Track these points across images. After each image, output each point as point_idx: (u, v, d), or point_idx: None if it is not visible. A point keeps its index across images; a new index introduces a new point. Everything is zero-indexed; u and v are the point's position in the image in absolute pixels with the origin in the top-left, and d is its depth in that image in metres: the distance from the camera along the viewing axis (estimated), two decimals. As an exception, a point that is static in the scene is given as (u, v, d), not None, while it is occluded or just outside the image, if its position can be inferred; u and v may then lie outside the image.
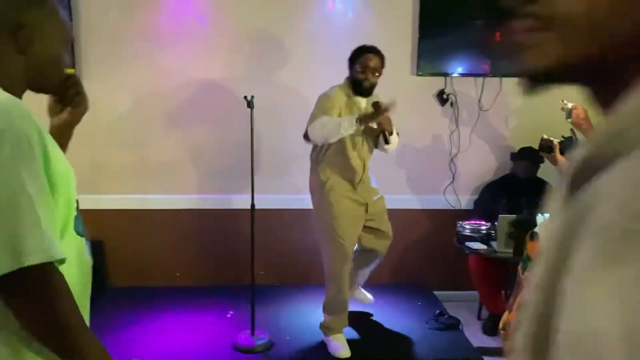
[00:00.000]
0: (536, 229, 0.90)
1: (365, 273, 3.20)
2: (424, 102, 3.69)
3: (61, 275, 0.96)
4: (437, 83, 3.72)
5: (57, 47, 1.09)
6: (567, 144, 2.82)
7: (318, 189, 2.86)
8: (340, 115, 2.75)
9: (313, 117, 2.75)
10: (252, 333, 2.88)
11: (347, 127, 2.62)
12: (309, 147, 3.71)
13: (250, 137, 2.78)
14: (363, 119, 2.64)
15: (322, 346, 2.88)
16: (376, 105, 2.73)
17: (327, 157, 2.83)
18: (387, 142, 2.83)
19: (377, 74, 2.81)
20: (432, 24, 3.59)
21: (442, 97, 3.73)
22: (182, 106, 3.64)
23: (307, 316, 3.26)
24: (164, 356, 2.74)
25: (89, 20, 3.51)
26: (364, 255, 3.08)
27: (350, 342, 2.88)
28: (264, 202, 3.45)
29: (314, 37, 3.63)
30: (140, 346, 2.84)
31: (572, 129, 2.87)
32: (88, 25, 3.51)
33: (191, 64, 3.60)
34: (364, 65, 2.77)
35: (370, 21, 3.64)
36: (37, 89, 1.11)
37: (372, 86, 2.82)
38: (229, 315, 3.24)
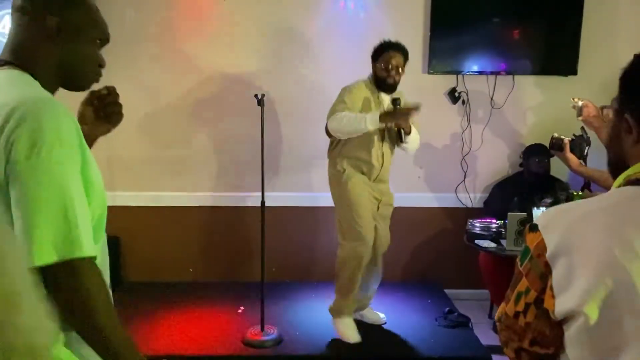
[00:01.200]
0: (535, 221, 0.90)
1: (372, 289, 3.13)
2: (435, 100, 3.69)
3: (96, 269, 1.00)
4: (449, 81, 3.72)
5: (93, 45, 1.11)
6: (577, 142, 2.80)
7: (336, 179, 2.88)
8: (361, 111, 2.73)
9: (333, 110, 2.74)
10: (262, 328, 2.91)
11: (369, 123, 2.59)
12: (321, 145, 3.75)
13: (261, 134, 2.81)
14: (384, 117, 2.61)
15: (331, 342, 2.90)
16: (395, 102, 2.74)
17: (344, 150, 2.84)
18: (401, 140, 2.81)
19: (400, 71, 2.79)
20: (443, 22, 3.59)
21: (453, 95, 3.72)
22: (196, 104, 3.69)
23: (316, 312, 3.28)
24: (176, 349, 2.79)
25: (105, 16, 3.57)
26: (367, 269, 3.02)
27: (361, 339, 2.90)
28: (274, 199, 3.49)
29: (326, 36, 3.65)
30: (153, 339, 2.89)
31: (582, 127, 2.85)
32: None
33: (204, 62, 3.64)
34: (386, 63, 2.76)
35: (382, 19, 3.64)
36: (70, 87, 1.11)
37: (396, 83, 2.80)
38: (239, 311, 3.28)
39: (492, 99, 3.74)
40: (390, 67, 2.75)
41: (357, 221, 2.79)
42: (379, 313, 3.18)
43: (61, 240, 0.92)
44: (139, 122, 3.69)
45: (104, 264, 1.13)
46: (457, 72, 3.67)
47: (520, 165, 3.65)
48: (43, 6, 1.03)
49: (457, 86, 3.71)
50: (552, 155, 3.49)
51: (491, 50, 3.67)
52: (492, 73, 3.69)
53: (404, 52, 2.80)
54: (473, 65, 3.67)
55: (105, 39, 1.15)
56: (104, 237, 1.15)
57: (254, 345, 2.83)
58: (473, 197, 3.83)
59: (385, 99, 2.85)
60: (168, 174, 3.75)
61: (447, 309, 3.28)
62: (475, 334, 3.04)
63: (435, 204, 3.79)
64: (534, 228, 0.88)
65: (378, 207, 2.94)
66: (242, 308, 3.31)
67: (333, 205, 3.74)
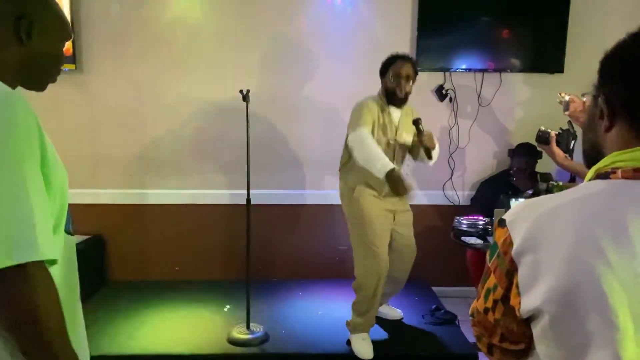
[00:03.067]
0: (504, 216, 0.88)
1: (392, 292, 3.13)
2: (423, 97, 3.68)
3: (50, 276, 0.91)
4: (436, 78, 3.72)
5: (56, 42, 1.08)
6: (564, 136, 2.81)
7: (347, 195, 2.85)
8: (374, 126, 2.70)
9: (355, 125, 2.68)
10: (248, 327, 2.89)
11: (378, 170, 2.55)
12: (307, 142, 3.73)
13: (246, 131, 2.78)
14: (392, 177, 2.52)
15: (317, 339, 2.88)
16: (416, 122, 2.72)
17: (354, 166, 2.77)
18: (429, 157, 2.83)
19: (410, 82, 2.75)
20: (431, 19, 3.58)
21: (441, 93, 3.72)
22: (181, 101, 3.66)
23: (302, 310, 3.27)
24: (162, 348, 2.75)
25: (90, 15, 3.53)
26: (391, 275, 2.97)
27: (346, 336, 2.89)
28: (260, 197, 3.46)
29: (313, 32, 3.63)
30: (138, 338, 2.85)
31: (569, 122, 2.86)
32: (89, 20, 3.53)
33: (190, 59, 3.61)
34: (396, 74, 2.72)
35: (370, 17, 3.63)
36: (30, 85, 1.08)
37: (406, 95, 2.76)
38: (225, 310, 3.26)
39: (479, 96, 3.75)
40: (399, 76, 2.71)
41: (371, 239, 2.74)
42: (397, 309, 3.19)
43: (14, 242, 0.85)
44: (123, 119, 3.65)
45: (69, 265, 1.07)
46: (445, 70, 3.67)
47: (511, 169, 3.66)
48: (12, 6, 1.01)
49: (445, 83, 3.71)
50: (540, 153, 3.51)
51: (478, 48, 3.68)
52: (479, 70, 3.69)
53: (412, 62, 2.77)
54: (460, 63, 3.67)
55: (68, 37, 1.12)
56: (72, 240, 1.09)
57: (239, 343, 2.80)
58: (460, 195, 3.84)
59: (395, 112, 2.80)
60: (153, 171, 3.71)
61: (434, 306, 3.27)
62: (462, 331, 3.04)
63: (422, 202, 3.79)
64: (502, 223, 0.86)
65: (394, 218, 2.87)
66: (227, 306, 3.29)
67: (320, 203, 3.75)
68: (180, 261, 3.80)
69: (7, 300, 0.86)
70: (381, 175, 2.55)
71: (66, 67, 3.46)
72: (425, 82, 3.69)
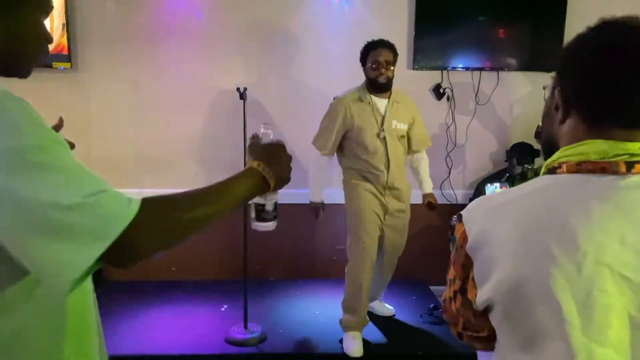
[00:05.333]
0: (462, 211, 0.91)
1: (380, 287, 3.16)
2: (420, 96, 3.66)
3: (147, 207, 0.83)
4: (434, 77, 3.71)
5: (36, 13, 0.89)
6: None
7: (345, 188, 2.91)
8: (352, 121, 2.76)
9: (318, 138, 2.91)
10: (245, 326, 2.88)
11: (311, 197, 2.97)
12: (304, 140, 3.72)
13: (243, 129, 2.77)
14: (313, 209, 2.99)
15: (314, 339, 2.87)
16: (430, 206, 2.97)
17: (347, 162, 2.88)
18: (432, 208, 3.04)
19: (391, 67, 2.74)
20: (428, 18, 3.57)
21: (438, 91, 3.71)
22: (178, 100, 3.63)
23: (299, 310, 3.26)
24: (159, 349, 2.74)
25: (85, 13, 3.50)
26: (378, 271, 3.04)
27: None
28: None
29: (310, 31, 3.61)
30: (135, 339, 2.84)
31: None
32: (84, 18, 3.50)
33: (187, 58, 3.59)
34: (374, 61, 2.72)
35: (367, 15, 3.62)
36: (12, 72, 0.91)
37: (389, 80, 2.74)
38: (222, 309, 3.24)
39: (476, 94, 3.74)
40: (378, 64, 2.70)
41: (359, 233, 2.79)
42: (388, 305, 3.21)
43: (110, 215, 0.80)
44: (119, 119, 3.63)
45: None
46: (442, 68, 3.66)
47: (506, 161, 3.65)
48: None
49: (442, 82, 3.70)
50: (537, 154, 3.51)
51: (476, 47, 3.67)
52: (476, 69, 3.68)
53: (390, 47, 2.76)
54: (457, 62, 3.66)
55: (50, 8, 0.93)
56: None
57: (237, 343, 2.79)
58: (458, 194, 3.83)
59: (380, 102, 2.79)
60: (149, 170, 3.69)
61: (432, 305, 3.27)
62: (460, 330, 3.03)
63: (420, 200, 3.78)
64: (460, 218, 0.89)
65: (385, 217, 2.87)
66: (225, 306, 3.27)
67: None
68: (177, 261, 3.77)
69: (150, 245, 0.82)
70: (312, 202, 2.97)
71: (61, 65, 3.43)
72: (423, 80, 3.68)
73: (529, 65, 3.68)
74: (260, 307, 3.21)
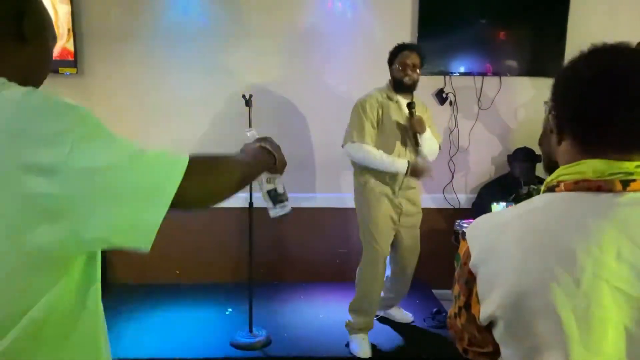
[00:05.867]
0: (465, 229, 0.94)
1: (400, 293, 3.16)
2: (423, 101, 3.69)
3: (195, 161, 0.90)
4: (437, 82, 3.73)
5: (50, 44, 1.01)
6: None
7: (358, 191, 2.90)
8: (378, 120, 2.77)
9: (351, 135, 2.80)
10: (250, 330, 2.90)
11: (396, 169, 2.73)
12: (309, 145, 3.75)
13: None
14: (412, 172, 2.75)
15: (319, 343, 2.89)
16: (410, 105, 2.80)
17: None
18: (417, 143, 2.84)
19: (417, 70, 2.81)
20: (431, 23, 3.60)
21: (441, 96, 3.74)
22: (183, 104, 3.66)
23: (304, 314, 3.28)
24: (164, 352, 2.76)
25: (90, 18, 3.53)
26: (395, 276, 3.07)
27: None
28: (262, 200, 3.47)
29: (314, 36, 3.64)
30: (140, 342, 2.86)
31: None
32: (89, 23, 3.54)
33: (191, 61, 3.62)
34: (402, 63, 2.79)
35: (370, 20, 3.65)
36: (27, 84, 0.96)
37: (414, 83, 2.82)
38: (227, 313, 3.26)
39: (479, 99, 3.76)
40: (406, 66, 2.78)
41: (375, 237, 2.81)
42: (407, 312, 3.23)
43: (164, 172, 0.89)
44: (124, 123, 3.65)
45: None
46: (445, 73, 3.68)
47: (509, 165, 3.68)
48: (13, 8, 0.94)
49: (445, 87, 3.73)
50: (538, 159, 3.53)
51: (478, 52, 3.70)
52: (479, 74, 3.71)
53: (418, 51, 2.84)
54: (460, 67, 3.69)
55: (55, 39, 1.06)
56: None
57: (242, 347, 2.81)
58: (461, 198, 3.85)
59: (404, 101, 2.85)
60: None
61: (435, 309, 3.29)
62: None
63: (422, 205, 3.79)
64: (463, 236, 0.93)
65: (399, 219, 2.89)
66: (229, 310, 3.29)
67: (321, 206, 3.76)
68: (182, 265, 3.80)
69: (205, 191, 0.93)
70: (402, 172, 2.72)
71: (67, 70, 3.47)
72: (426, 85, 3.70)
73: (531, 69, 3.71)
74: (265, 310, 3.23)
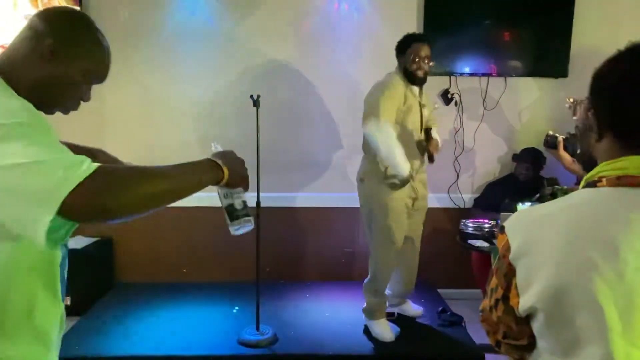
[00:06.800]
0: (504, 223, 0.96)
1: (410, 282, 3.18)
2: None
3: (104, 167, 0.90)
4: (442, 82, 3.75)
5: (80, 76, 1.10)
6: (571, 141, 2.85)
7: (375, 177, 2.81)
8: (400, 107, 2.74)
9: (376, 114, 2.68)
10: (257, 328, 2.92)
11: (396, 170, 2.67)
12: (316, 144, 3.77)
13: (256, 135, 2.82)
14: (403, 182, 2.71)
15: (325, 341, 2.91)
16: (427, 130, 2.87)
17: None
18: (431, 160, 2.90)
19: (430, 62, 2.82)
20: (436, 24, 3.62)
21: (446, 97, 3.76)
22: (190, 104, 3.70)
23: (311, 312, 3.31)
24: (171, 350, 2.79)
25: (98, 20, 3.55)
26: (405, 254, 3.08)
27: (354, 337, 2.94)
28: (270, 200, 3.50)
29: (320, 37, 3.67)
30: (147, 340, 2.89)
31: (577, 126, 2.90)
32: (98, 22, 3.55)
33: (199, 62, 3.65)
34: (415, 55, 2.77)
35: (376, 21, 3.67)
36: (42, 107, 1.06)
37: (425, 75, 2.81)
38: (234, 311, 3.29)
39: (484, 100, 3.78)
40: (418, 59, 2.77)
41: (390, 225, 2.81)
42: (417, 306, 3.27)
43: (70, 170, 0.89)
44: (132, 122, 3.69)
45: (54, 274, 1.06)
46: (450, 74, 3.70)
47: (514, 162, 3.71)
48: (47, 26, 1.07)
49: (450, 87, 3.75)
50: (544, 159, 3.55)
51: (483, 52, 3.72)
52: (484, 75, 3.73)
53: (429, 43, 2.83)
54: (465, 67, 3.71)
55: (97, 77, 1.16)
56: (62, 251, 1.08)
57: (249, 345, 2.84)
58: (466, 198, 3.87)
59: (416, 90, 2.85)
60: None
61: (440, 308, 3.30)
62: (469, 333, 3.07)
63: (428, 204, 3.82)
64: (502, 229, 0.94)
65: (413, 204, 2.93)
66: (236, 308, 3.32)
67: (326, 205, 3.79)
68: (188, 263, 3.83)
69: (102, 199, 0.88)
70: (400, 176, 2.67)
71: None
72: (431, 86, 3.72)
73: (536, 70, 3.73)
74: (271, 309, 3.26)
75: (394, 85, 2.77)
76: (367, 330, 3.01)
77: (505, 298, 0.93)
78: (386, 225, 2.82)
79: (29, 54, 1.06)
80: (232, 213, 1.21)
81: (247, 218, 1.21)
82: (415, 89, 2.86)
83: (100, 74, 1.17)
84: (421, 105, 2.87)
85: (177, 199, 1.01)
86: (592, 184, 0.89)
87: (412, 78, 2.80)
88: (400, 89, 2.78)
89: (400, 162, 2.66)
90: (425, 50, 2.78)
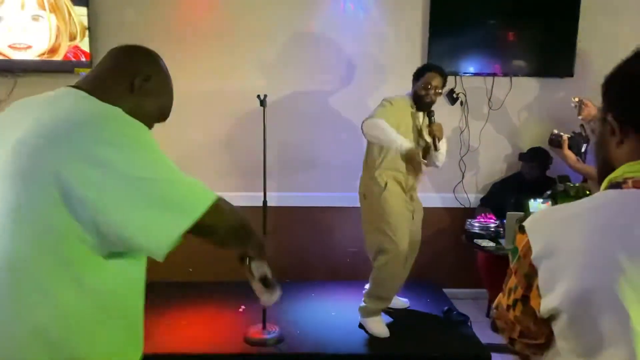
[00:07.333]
0: (524, 222, 0.95)
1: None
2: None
3: (223, 201, 1.14)
4: (447, 82, 3.75)
5: (155, 110, 1.31)
6: (576, 140, 2.86)
7: (375, 193, 2.95)
8: (398, 124, 2.85)
9: (373, 115, 2.86)
10: (264, 327, 2.94)
11: (398, 147, 2.73)
12: (323, 145, 3.78)
13: (263, 135, 2.83)
14: (410, 154, 2.73)
15: (331, 340, 2.92)
16: (430, 113, 2.95)
17: (386, 163, 2.94)
18: (436, 148, 2.96)
19: (439, 92, 2.95)
20: (442, 23, 3.63)
21: (452, 97, 3.76)
22: (198, 104, 3.71)
23: (316, 311, 3.31)
24: (178, 349, 2.80)
25: (106, 21, 3.59)
26: None
27: (360, 336, 2.95)
28: (276, 199, 3.51)
29: (327, 37, 3.68)
30: (153, 340, 2.90)
31: (581, 125, 2.90)
32: (105, 25, 3.59)
33: (206, 62, 3.67)
34: (426, 83, 2.92)
35: (382, 21, 3.68)
36: None
37: (432, 103, 2.96)
38: (240, 310, 3.31)
39: (489, 100, 3.79)
40: (429, 86, 2.91)
41: (397, 235, 2.90)
42: (402, 298, 3.35)
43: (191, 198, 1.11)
44: (139, 122, 3.70)
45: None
46: (455, 74, 3.71)
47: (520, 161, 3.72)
48: (138, 63, 1.29)
49: (456, 87, 3.75)
50: (551, 159, 3.55)
51: (489, 52, 3.72)
52: (489, 74, 3.73)
53: (443, 75, 2.98)
54: (470, 67, 3.71)
55: (167, 112, 1.37)
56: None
57: (255, 343, 2.85)
58: (471, 197, 3.88)
59: (420, 116, 3.01)
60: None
61: (446, 308, 3.31)
62: (475, 332, 3.08)
63: (433, 204, 3.83)
64: (522, 229, 0.93)
65: (413, 217, 3.04)
66: (243, 307, 3.34)
67: (332, 205, 3.80)
68: (193, 262, 3.84)
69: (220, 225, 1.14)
70: (402, 150, 2.71)
71: (83, 71, 3.51)
72: (437, 86, 3.74)
73: (541, 70, 3.73)
74: (277, 308, 3.26)
75: (400, 102, 2.94)
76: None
77: (525, 298, 0.92)
78: (393, 235, 2.90)
79: (116, 87, 1.21)
80: (267, 280, 1.37)
81: (277, 285, 1.38)
82: (420, 114, 3.00)
83: (169, 109, 1.38)
84: (420, 131, 2.99)
85: (237, 244, 1.33)
86: (616, 185, 0.88)
87: (418, 102, 2.96)
88: (405, 109, 2.95)
89: (397, 137, 2.74)
90: (436, 81, 2.93)
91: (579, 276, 0.82)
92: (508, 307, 0.96)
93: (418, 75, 3.00)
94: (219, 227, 1.12)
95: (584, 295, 0.82)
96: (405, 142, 2.72)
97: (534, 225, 0.91)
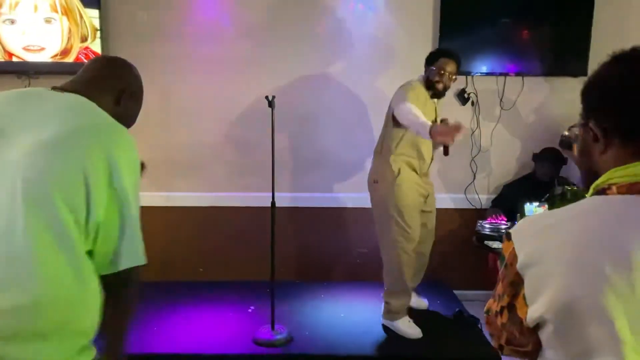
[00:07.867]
0: (510, 229, 0.93)
1: (417, 277, 3.23)
2: (444, 101, 3.69)
3: None
4: (458, 82, 3.71)
5: (128, 119, 1.47)
6: None
7: (388, 179, 2.90)
8: (422, 110, 2.81)
9: (403, 99, 2.78)
10: (272, 328, 2.93)
11: (423, 133, 2.64)
12: (331, 145, 3.77)
13: (272, 135, 2.83)
14: (436, 134, 2.61)
15: (340, 341, 2.91)
16: (444, 122, 2.80)
17: (399, 148, 2.91)
18: (446, 153, 2.89)
19: (453, 78, 2.90)
20: (452, 22, 3.60)
21: (463, 97, 3.73)
22: (207, 105, 3.72)
23: (325, 312, 3.31)
24: (187, 349, 2.81)
25: (117, 21, 3.62)
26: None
27: (369, 338, 2.93)
28: (285, 200, 3.51)
29: (336, 37, 3.67)
30: (163, 339, 2.92)
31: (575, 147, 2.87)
32: (116, 26, 3.62)
33: (215, 63, 3.68)
34: (441, 69, 2.86)
35: (391, 20, 3.66)
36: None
37: (446, 89, 2.91)
38: (249, 310, 3.31)
39: (501, 100, 3.75)
40: (443, 72, 2.86)
41: (409, 224, 2.87)
42: (422, 299, 3.31)
43: (141, 249, 1.29)
44: (150, 123, 3.72)
45: None
46: (467, 73, 3.67)
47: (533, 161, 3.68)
48: (127, 80, 1.45)
49: (467, 87, 3.72)
50: (565, 159, 3.50)
51: (500, 51, 3.68)
52: (501, 74, 3.69)
53: (457, 61, 2.91)
54: (482, 66, 3.68)
55: (131, 124, 1.51)
56: None
57: (264, 344, 2.85)
58: (482, 198, 3.84)
59: (434, 102, 2.97)
60: (179, 174, 3.79)
61: (456, 310, 3.28)
62: (485, 335, 3.05)
63: (444, 205, 3.80)
64: (508, 236, 0.92)
65: (426, 200, 3.02)
66: (252, 307, 3.34)
67: (341, 206, 3.79)
68: (204, 262, 3.86)
69: (131, 291, 1.33)
70: (427, 135, 2.56)
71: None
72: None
73: (554, 70, 3.68)
74: (286, 308, 3.27)
75: (418, 88, 2.89)
76: (382, 331, 3.01)
77: (511, 306, 0.91)
78: (405, 223, 2.86)
79: (105, 97, 1.38)
80: None
81: None
82: (434, 100, 2.96)
83: (135, 121, 1.55)
84: (437, 116, 2.97)
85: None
86: (601, 192, 0.87)
87: (431, 88, 2.90)
88: (422, 95, 2.89)
89: (427, 122, 2.62)
90: (451, 67, 2.87)
91: (564, 285, 0.81)
92: (496, 313, 0.95)
93: (431, 60, 2.92)
94: (132, 286, 1.31)
95: (569, 305, 0.80)
96: (424, 131, 2.63)
97: (519, 233, 0.90)
